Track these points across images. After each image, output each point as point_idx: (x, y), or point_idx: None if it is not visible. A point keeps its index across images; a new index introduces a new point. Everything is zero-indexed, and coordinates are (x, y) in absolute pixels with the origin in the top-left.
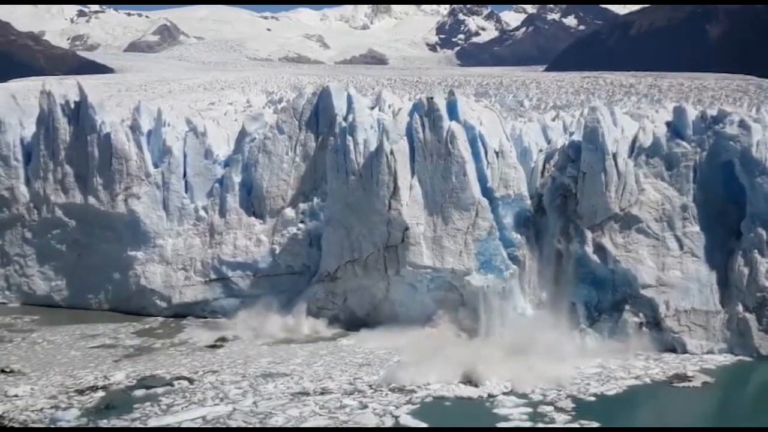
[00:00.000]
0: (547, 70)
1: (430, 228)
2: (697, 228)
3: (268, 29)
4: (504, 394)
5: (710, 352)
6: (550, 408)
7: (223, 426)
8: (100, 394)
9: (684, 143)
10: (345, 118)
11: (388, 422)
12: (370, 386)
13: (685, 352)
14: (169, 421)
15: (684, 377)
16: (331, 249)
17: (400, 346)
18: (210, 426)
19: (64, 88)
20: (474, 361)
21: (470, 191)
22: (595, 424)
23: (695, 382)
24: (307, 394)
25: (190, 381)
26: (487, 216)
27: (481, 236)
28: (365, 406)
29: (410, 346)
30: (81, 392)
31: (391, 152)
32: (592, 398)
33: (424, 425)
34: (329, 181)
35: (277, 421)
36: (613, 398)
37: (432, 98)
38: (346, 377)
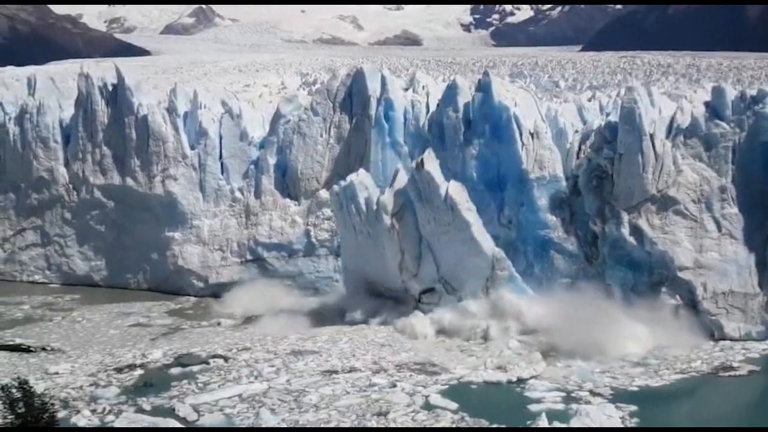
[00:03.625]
0: (583, 50)
1: (448, 286)
2: (735, 209)
3: (303, 11)
4: (534, 378)
5: (748, 334)
6: (585, 393)
7: (259, 403)
8: (139, 372)
9: (723, 124)
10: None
11: (419, 401)
12: (395, 366)
13: (722, 335)
14: (205, 399)
15: (729, 367)
16: (351, 290)
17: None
18: (247, 403)
19: (102, 70)
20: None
21: (482, 252)
22: (633, 407)
23: (741, 371)
24: (336, 372)
25: (225, 359)
26: (505, 265)
27: (501, 284)
28: (394, 385)
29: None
30: (120, 370)
31: (392, 225)
32: (635, 388)
33: (455, 405)
34: (340, 232)
35: (311, 399)
36: (655, 387)
37: (422, 162)
38: (371, 356)
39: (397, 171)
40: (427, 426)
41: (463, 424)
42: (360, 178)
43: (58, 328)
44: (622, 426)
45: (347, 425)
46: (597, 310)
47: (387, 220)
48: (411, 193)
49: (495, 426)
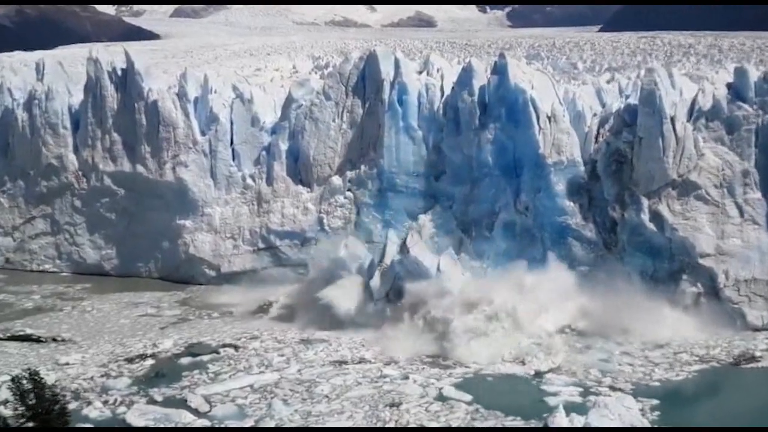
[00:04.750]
0: (601, 30)
1: None
2: (758, 194)
3: None
4: (552, 371)
5: None
6: (605, 388)
7: (271, 393)
8: (149, 362)
9: (745, 106)
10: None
11: (432, 393)
12: (406, 357)
13: (744, 323)
14: (217, 389)
15: (751, 358)
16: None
17: None
18: (258, 394)
19: (111, 54)
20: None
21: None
22: (654, 401)
23: (763, 362)
24: (346, 362)
25: (235, 348)
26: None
27: None
28: (406, 377)
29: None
30: (131, 360)
31: (389, 300)
32: (656, 383)
33: (469, 397)
34: None
35: (323, 390)
36: (676, 381)
37: (407, 248)
38: (380, 347)
39: (385, 246)
40: (441, 417)
41: (477, 416)
42: (350, 249)
43: (68, 318)
44: (641, 418)
45: (360, 415)
46: (618, 296)
47: (381, 299)
48: (401, 272)
49: (510, 418)
